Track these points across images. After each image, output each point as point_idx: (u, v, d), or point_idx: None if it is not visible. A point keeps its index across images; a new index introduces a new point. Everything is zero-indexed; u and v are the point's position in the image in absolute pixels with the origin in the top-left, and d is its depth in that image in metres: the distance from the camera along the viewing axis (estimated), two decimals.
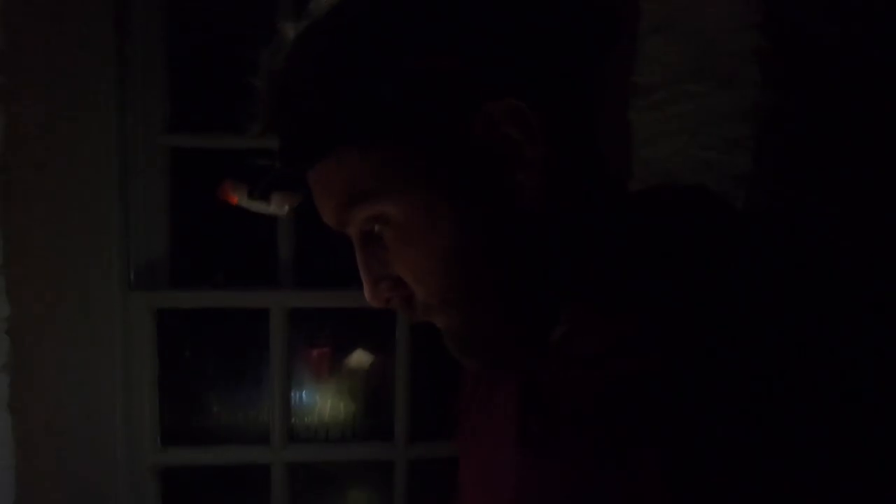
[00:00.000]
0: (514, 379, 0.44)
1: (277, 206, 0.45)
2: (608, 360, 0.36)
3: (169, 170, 1.01)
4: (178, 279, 1.04)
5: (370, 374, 1.27)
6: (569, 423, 0.37)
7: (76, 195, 0.92)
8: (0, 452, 0.91)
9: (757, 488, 0.27)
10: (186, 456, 1.04)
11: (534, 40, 0.37)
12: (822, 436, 0.27)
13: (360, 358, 1.25)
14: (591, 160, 0.41)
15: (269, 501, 1.06)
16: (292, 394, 1.14)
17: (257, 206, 0.46)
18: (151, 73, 0.97)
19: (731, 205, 0.40)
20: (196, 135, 1.01)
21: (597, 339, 0.38)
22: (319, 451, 1.12)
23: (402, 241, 0.38)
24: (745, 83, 0.76)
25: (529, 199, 0.37)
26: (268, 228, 1.06)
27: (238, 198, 0.47)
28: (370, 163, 0.37)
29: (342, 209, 0.39)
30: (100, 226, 0.93)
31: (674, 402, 0.30)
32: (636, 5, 0.90)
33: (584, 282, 0.39)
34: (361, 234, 0.40)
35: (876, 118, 0.71)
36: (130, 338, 0.97)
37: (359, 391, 1.26)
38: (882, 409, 0.28)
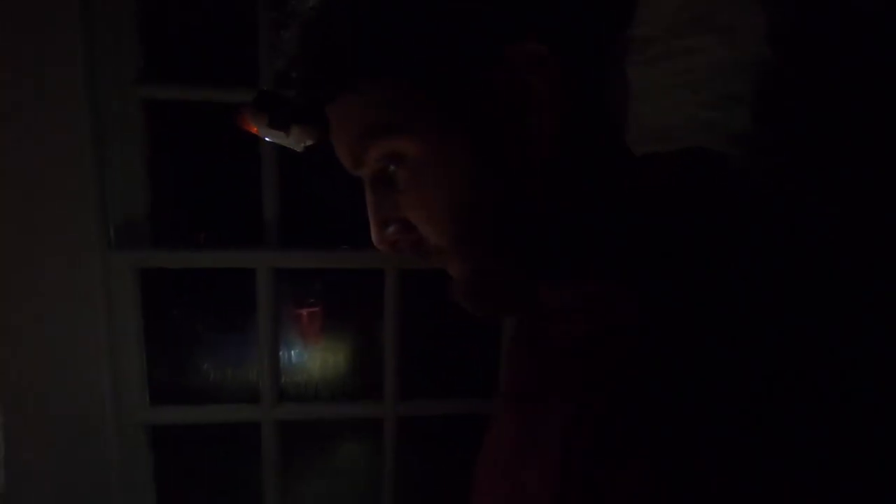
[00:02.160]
0: (533, 336, 0.45)
1: (295, 140, 0.45)
2: (579, 316, 0.37)
3: (146, 125, 0.97)
4: (160, 239, 1.01)
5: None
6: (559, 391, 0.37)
7: (48, 151, 0.88)
8: None
9: (756, 488, 0.26)
10: (177, 414, 1.04)
11: None
12: (822, 436, 0.27)
13: None
14: (601, 117, 0.40)
15: (258, 459, 1.08)
16: (283, 353, 1.14)
17: (276, 137, 0.45)
18: (121, 19, 0.92)
19: (739, 171, 0.39)
20: (172, 86, 0.96)
21: (572, 296, 0.38)
22: (310, 409, 1.12)
23: (417, 181, 0.38)
24: (749, 35, 0.72)
25: (542, 147, 0.36)
26: (252, 188, 1.03)
27: (257, 127, 0.47)
28: (391, 98, 0.37)
29: (359, 144, 0.39)
30: (75, 183, 0.90)
31: (672, 402, 0.30)
32: None
33: (582, 240, 0.39)
34: (374, 174, 0.41)
35: (887, 75, 0.69)
36: (113, 298, 0.95)
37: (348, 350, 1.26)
38: (882, 409, 0.27)
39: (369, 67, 0.37)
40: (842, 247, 0.35)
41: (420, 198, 0.38)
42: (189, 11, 1.00)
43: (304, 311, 1.27)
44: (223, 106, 0.99)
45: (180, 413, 1.05)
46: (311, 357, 1.26)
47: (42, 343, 0.92)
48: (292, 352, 1.26)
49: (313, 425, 1.20)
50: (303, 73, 0.40)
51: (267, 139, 0.47)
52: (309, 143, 0.45)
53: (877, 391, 0.28)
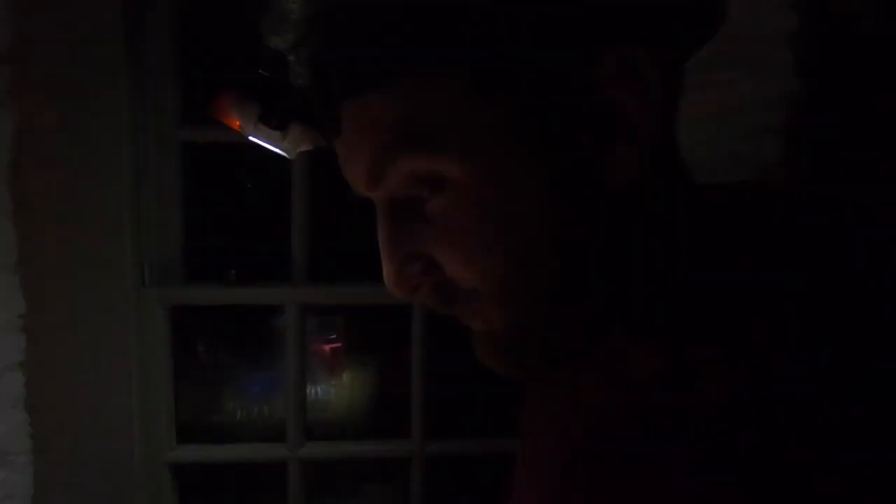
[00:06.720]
0: (559, 385, 0.40)
1: (292, 144, 0.34)
2: (653, 390, 0.32)
3: (182, 165, 1.00)
4: (192, 276, 1.03)
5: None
6: (613, 441, 0.33)
7: (89, 191, 0.91)
8: (16, 450, 0.91)
9: None
10: (203, 453, 1.04)
11: None
12: None
13: None
14: (675, 143, 0.33)
15: (285, 498, 1.06)
16: (309, 389, 1.13)
17: (265, 136, 0.34)
18: (163, 66, 0.96)
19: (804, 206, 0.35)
20: (210, 129, 0.99)
21: (640, 367, 0.33)
22: (336, 447, 1.10)
23: (460, 209, 0.29)
24: (778, 69, 0.72)
25: (625, 179, 0.29)
26: (281, 224, 1.04)
27: (242, 121, 0.35)
28: (445, 100, 0.28)
29: (386, 155, 0.29)
30: (113, 222, 0.92)
31: (755, 449, 0.26)
32: None
33: (651, 292, 0.32)
34: (392, 199, 0.31)
35: None
36: (145, 335, 0.96)
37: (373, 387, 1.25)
38: None
39: (423, 56, 0.28)
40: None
41: (460, 232, 0.30)
42: (224, 59, 1.05)
43: (330, 347, 1.26)
44: (254, 147, 1.01)
45: (206, 452, 1.04)
46: (338, 394, 1.25)
47: (72, 380, 0.93)
48: (318, 388, 1.25)
49: (339, 463, 1.18)
50: (327, 54, 0.29)
51: (251, 137, 0.35)
52: (306, 148, 0.34)
53: None
